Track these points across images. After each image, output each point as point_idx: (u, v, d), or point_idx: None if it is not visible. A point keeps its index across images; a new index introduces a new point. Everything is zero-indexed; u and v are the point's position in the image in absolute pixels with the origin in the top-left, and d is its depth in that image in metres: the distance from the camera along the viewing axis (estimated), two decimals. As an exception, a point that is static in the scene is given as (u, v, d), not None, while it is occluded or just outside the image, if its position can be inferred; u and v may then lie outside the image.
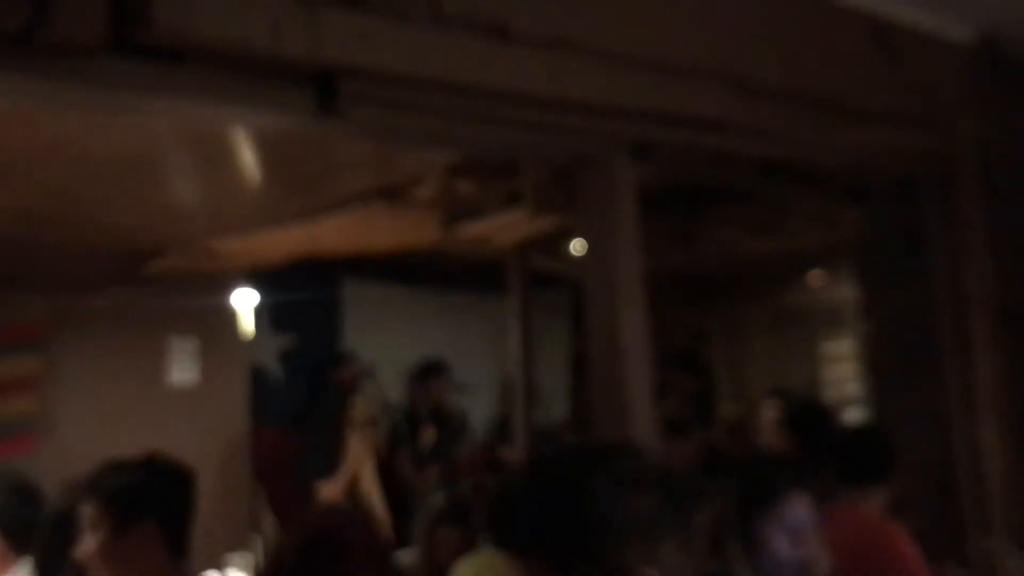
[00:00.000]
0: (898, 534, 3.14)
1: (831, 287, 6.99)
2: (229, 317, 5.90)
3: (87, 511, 2.34)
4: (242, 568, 4.50)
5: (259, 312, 6.10)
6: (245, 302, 5.89)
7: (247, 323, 5.91)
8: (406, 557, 4.15)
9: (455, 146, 3.38)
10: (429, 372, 6.40)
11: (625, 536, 1.20)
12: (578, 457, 1.29)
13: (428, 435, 6.23)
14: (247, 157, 3.79)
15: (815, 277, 7.22)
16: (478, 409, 7.04)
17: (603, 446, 1.33)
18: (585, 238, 3.29)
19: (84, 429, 5.30)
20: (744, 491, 2.42)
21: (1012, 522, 3.77)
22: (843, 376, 7.38)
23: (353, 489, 5.48)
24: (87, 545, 2.32)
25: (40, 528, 2.84)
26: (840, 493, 3.27)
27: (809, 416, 4.46)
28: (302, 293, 6.16)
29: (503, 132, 2.80)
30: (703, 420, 5.67)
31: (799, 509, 2.37)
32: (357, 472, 5.50)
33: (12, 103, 2.67)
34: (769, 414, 5.63)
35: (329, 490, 5.48)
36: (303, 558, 1.75)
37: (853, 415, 6.07)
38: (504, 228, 4.29)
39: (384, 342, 6.55)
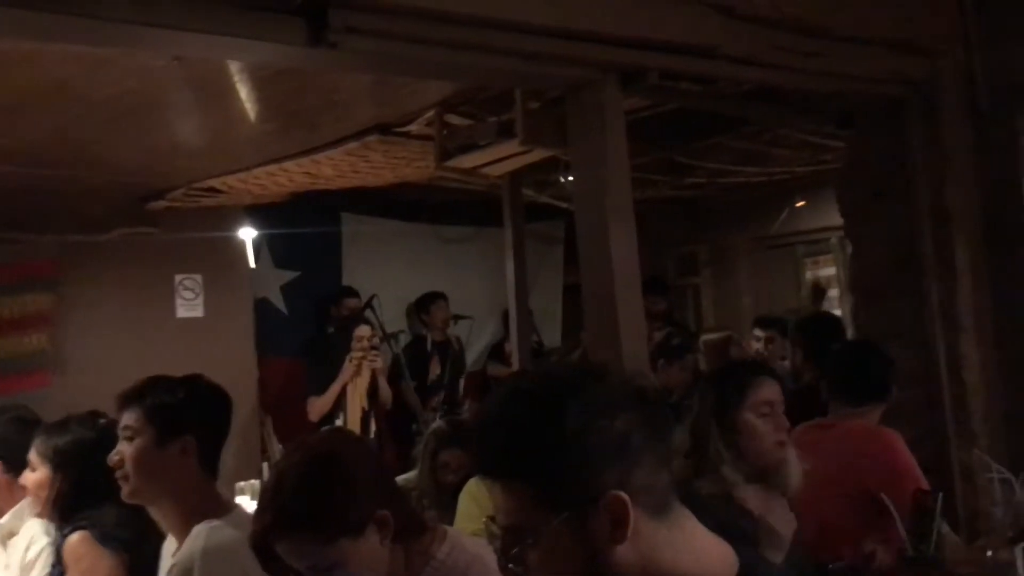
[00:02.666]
0: (895, 440, 3.22)
1: (815, 214, 7.06)
2: (232, 253, 6.00)
3: (127, 419, 2.29)
4: (251, 495, 4.62)
5: (261, 248, 6.21)
6: (247, 238, 5.99)
7: (249, 258, 6.01)
8: (405, 480, 4.28)
9: (448, 76, 3.41)
10: (429, 299, 6.55)
11: (599, 459, 1.20)
12: (551, 381, 1.28)
13: (434, 368, 6.37)
14: (247, 96, 3.83)
15: (800, 205, 7.29)
16: (480, 339, 7.16)
17: (577, 369, 1.32)
18: (575, 165, 3.33)
19: (94, 364, 5.44)
20: (719, 387, 2.61)
21: (993, 435, 3.87)
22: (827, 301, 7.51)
23: (339, 403, 5.65)
24: (123, 450, 2.28)
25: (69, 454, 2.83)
26: (839, 411, 3.33)
27: (819, 328, 4.53)
28: (302, 229, 6.25)
29: (495, 61, 2.84)
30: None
31: (768, 392, 2.57)
32: (345, 388, 5.66)
33: (11, 37, 2.70)
34: (754, 343, 5.76)
35: (316, 404, 5.66)
36: (303, 480, 1.76)
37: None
38: (497, 160, 4.33)
39: (383, 276, 6.63)
